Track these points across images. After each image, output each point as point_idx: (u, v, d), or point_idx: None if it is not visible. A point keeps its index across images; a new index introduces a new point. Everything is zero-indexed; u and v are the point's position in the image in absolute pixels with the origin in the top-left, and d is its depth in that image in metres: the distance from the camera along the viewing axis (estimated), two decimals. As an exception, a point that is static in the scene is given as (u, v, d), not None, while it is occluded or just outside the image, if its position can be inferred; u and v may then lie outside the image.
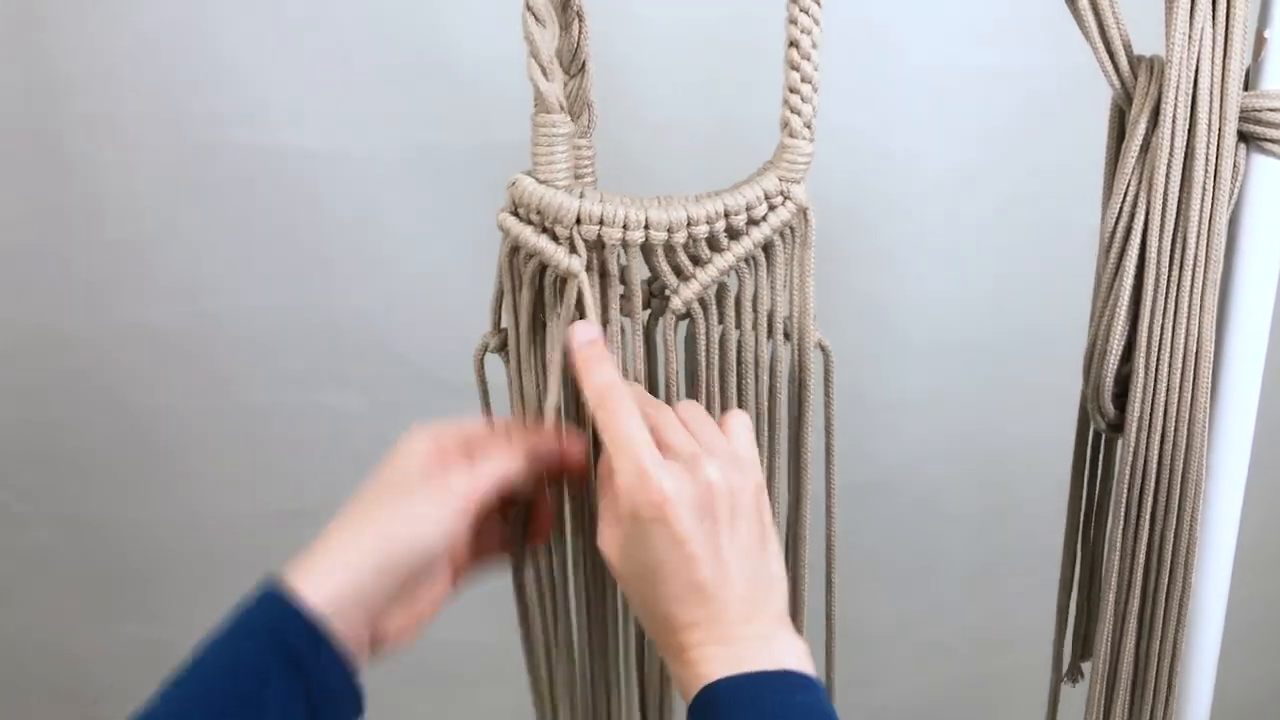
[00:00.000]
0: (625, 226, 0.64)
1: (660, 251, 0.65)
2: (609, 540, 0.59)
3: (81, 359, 1.20)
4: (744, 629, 0.56)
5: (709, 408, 0.71)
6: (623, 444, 0.58)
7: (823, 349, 0.72)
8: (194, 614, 1.32)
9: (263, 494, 1.25)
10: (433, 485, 0.60)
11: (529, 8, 0.61)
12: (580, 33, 0.66)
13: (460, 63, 1.06)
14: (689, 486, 0.57)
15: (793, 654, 0.56)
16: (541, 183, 0.64)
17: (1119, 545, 0.76)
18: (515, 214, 0.65)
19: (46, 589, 1.32)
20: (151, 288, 1.16)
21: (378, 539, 0.58)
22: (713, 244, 0.66)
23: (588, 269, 0.65)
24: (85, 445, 1.24)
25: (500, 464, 0.62)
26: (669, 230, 0.64)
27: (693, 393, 0.72)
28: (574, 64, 0.67)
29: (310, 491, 1.24)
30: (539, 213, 0.64)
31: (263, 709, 0.54)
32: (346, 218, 1.13)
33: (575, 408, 0.71)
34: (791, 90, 0.63)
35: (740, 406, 0.71)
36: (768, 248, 0.67)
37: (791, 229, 0.68)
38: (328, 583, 0.57)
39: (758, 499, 0.60)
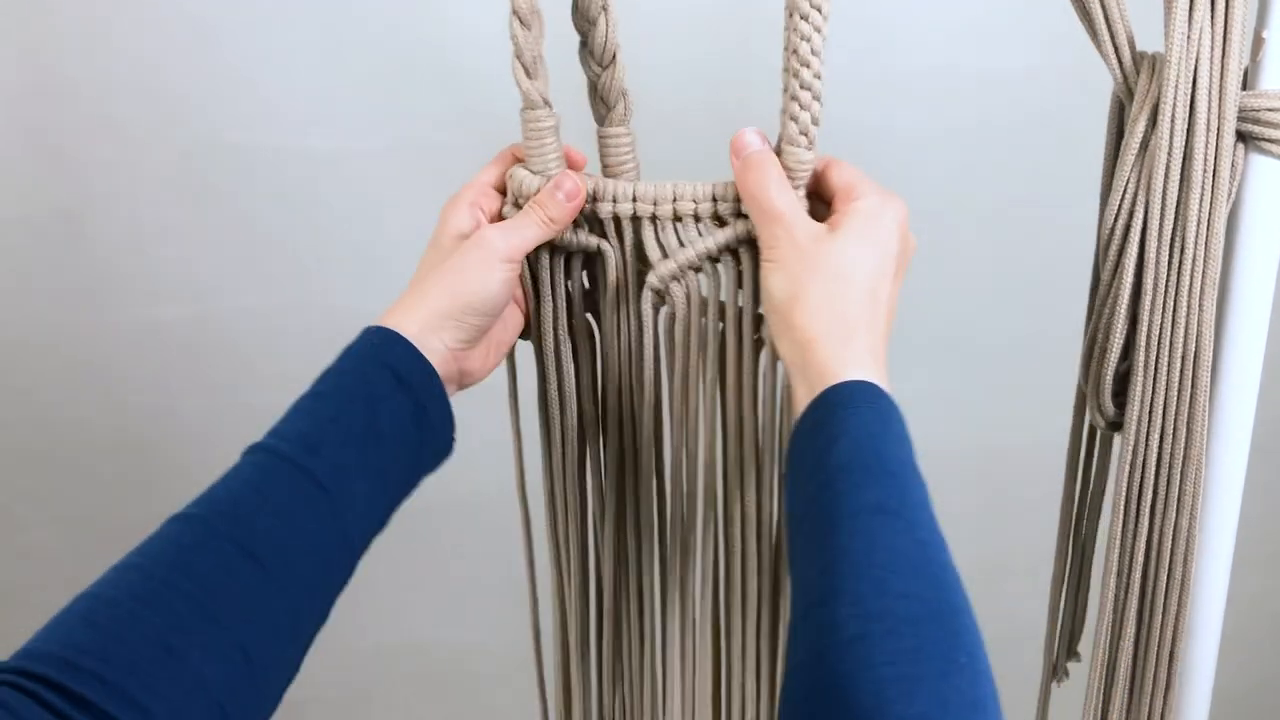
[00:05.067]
0: (615, 199, 0.68)
1: (650, 226, 0.68)
2: (812, 233, 0.64)
3: (81, 359, 1.20)
4: (881, 352, 0.63)
5: (690, 392, 0.73)
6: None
7: None
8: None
9: (263, 494, 1.25)
10: (482, 250, 0.67)
11: (514, 10, 0.64)
12: (608, 25, 0.68)
13: (461, 63, 1.07)
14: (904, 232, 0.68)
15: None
16: (535, 173, 0.68)
17: (1118, 541, 0.77)
18: (516, 205, 0.69)
19: (46, 589, 1.32)
20: (151, 288, 1.16)
21: (444, 296, 0.66)
22: (703, 231, 0.68)
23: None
24: (85, 445, 1.24)
25: (532, 229, 0.68)
26: (655, 203, 0.68)
27: (675, 375, 0.73)
28: (605, 56, 0.69)
29: (310, 491, 1.24)
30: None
31: (377, 427, 0.62)
32: (346, 218, 1.13)
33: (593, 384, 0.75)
34: (791, 96, 0.64)
35: (721, 393, 0.73)
36: (754, 242, 0.68)
37: None
38: (411, 329, 0.65)
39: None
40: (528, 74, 0.65)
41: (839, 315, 0.62)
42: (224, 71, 1.07)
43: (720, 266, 0.69)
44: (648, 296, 0.70)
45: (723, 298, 0.70)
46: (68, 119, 1.09)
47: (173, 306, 1.17)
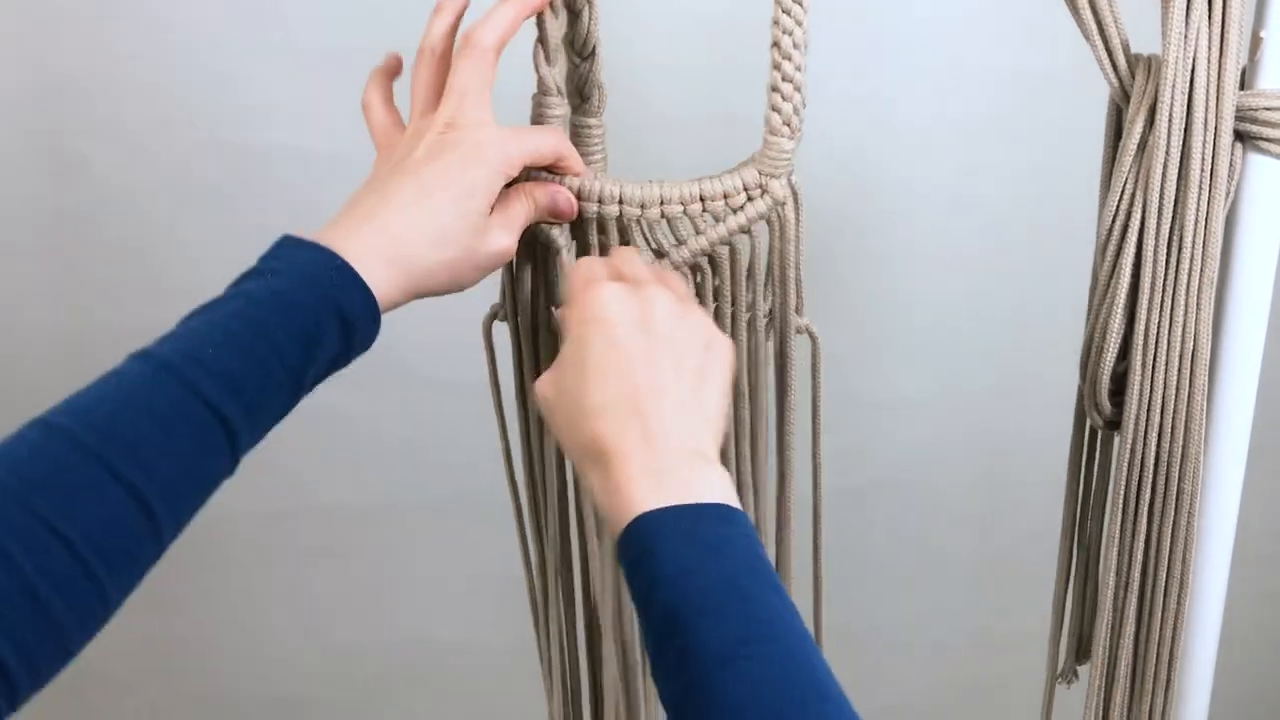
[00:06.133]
0: (600, 200, 0.68)
1: (637, 228, 0.69)
2: (545, 378, 0.62)
3: (82, 359, 1.20)
4: (673, 457, 0.57)
5: None
6: (579, 265, 0.65)
7: (810, 335, 0.73)
8: (194, 611, 1.33)
9: (263, 493, 1.25)
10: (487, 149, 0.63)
11: None
12: (590, 18, 0.69)
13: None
14: (631, 299, 0.61)
15: (720, 487, 0.57)
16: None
17: (1117, 541, 0.77)
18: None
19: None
20: (151, 288, 1.16)
21: (449, 206, 0.62)
22: (694, 227, 0.69)
23: (573, 238, 0.70)
24: (86, 445, 1.24)
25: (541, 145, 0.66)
26: (642, 206, 0.68)
27: None
28: (585, 48, 0.70)
29: (310, 491, 1.24)
30: None
31: (303, 378, 0.60)
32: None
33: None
34: (773, 88, 0.66)
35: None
36: (747, 232, 0.69)
37: (772, 221, 0.69)
38: (393, 276, 0.61)
39: (706, 335, 0.62)
40: (548, 60, 0.67)
41: (591, 445, 0.58)
42: (224, 71, 1.07)
43: (713, 258, 0.70)
44: None
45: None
46: (68, 119, 1.09)
47: (173, 306, 1.17)
